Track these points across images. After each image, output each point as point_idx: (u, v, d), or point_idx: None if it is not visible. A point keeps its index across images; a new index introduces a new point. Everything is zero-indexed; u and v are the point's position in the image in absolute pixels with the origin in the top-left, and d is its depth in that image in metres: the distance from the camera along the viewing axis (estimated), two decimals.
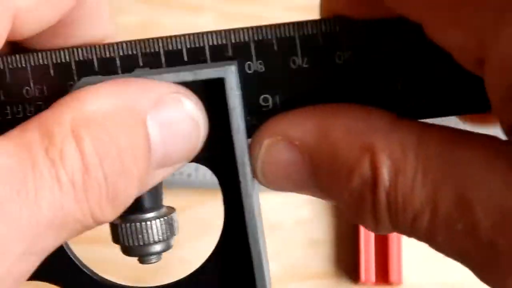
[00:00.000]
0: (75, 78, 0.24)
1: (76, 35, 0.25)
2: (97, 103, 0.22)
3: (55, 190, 0.20)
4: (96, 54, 0.25)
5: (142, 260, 0.26)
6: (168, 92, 0.23)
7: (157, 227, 0.25)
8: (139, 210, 0.25)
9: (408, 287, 0.52)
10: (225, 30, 0.24)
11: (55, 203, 0.20)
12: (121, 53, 0.26)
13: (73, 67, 0.25)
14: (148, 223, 0.25)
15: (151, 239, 0.25)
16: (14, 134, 0.21)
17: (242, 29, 0.24)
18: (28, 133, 0.21)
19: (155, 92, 0.23)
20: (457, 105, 0.24)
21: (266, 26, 0.24)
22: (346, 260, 0.53)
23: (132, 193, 0.22)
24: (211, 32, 0.24)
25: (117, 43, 0.26)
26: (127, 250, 0.26)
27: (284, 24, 0.24)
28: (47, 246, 0.21)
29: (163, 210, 0.26)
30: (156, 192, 0.26)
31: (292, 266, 0.53)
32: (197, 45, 0.24)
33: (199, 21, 0.57)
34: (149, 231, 0.25)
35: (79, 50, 0.25)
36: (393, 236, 0.51)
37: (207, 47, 0.24)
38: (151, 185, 0.23)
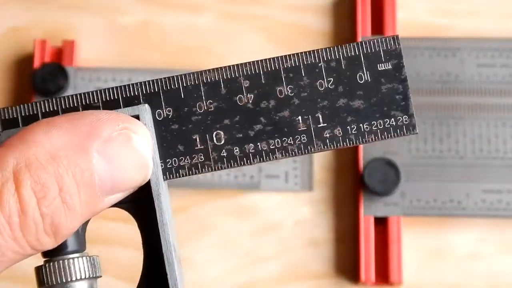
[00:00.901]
0: None
1: None
2: (45, 143, 0.24)
3: None
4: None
5: None
6: (118, 128, 0.25)
7: (81, 265, 0.26)
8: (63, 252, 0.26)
9: (408, 287, 0.52)
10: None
11: None
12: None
13: None
14: (71, 260, 0.26)
15: (74, 277, 0.26)
16: None
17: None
18: None
19: (104, 130, 0.24)
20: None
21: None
22: (346, 260, 0.53)
23: (74, 224, 0.24)
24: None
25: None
26: None
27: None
28: None
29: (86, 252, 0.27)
30: (79, 236, 0.26)
31: (292, 266, 0.53)
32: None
33: (199, 21, 0.57)
34: (71, 268, 0.26)
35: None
36: (394, 236, 0.51)
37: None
38: (101, 210, 0.25)
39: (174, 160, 0.27)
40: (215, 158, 0.27)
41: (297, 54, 0.27)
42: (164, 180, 0.27)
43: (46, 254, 0.26)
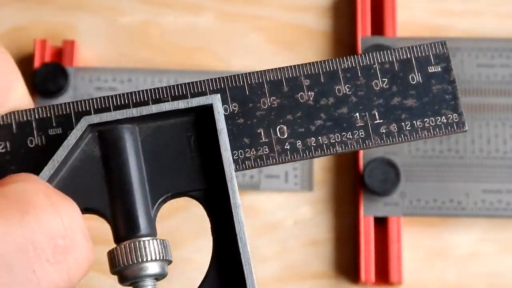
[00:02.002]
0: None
1: None
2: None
3: None
4: (14, 118, 0.28)
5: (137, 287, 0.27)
6: None
7: (153, 246, 0.27)
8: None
9: (408, 287, 0.52)
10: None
11: None
12: (36, 116, 0.28)
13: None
14: (145, 242, 0.27)
15: (146, 258, 0.27)
16: None
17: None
18: None
19: None
20: None
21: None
22: (346, 260, 0.53)
23: None
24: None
25: (33, 109, 0.28)
26: (123, 275, 0.27)
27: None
28: None
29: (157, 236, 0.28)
30: (151, 221, 0.28)
31: (292, 266, 0.53)
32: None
33: (199, 21, 0.57)
34: (144, 250, 0.27)
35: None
36: (393, 236, 0.52)
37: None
38: None
39: (240, 152, 0.28)
40: (279, 150, 0.28)
41: (354, 56, 0.29)
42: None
43: (118, 238, 0.27)
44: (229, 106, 0.29)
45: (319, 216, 0.54)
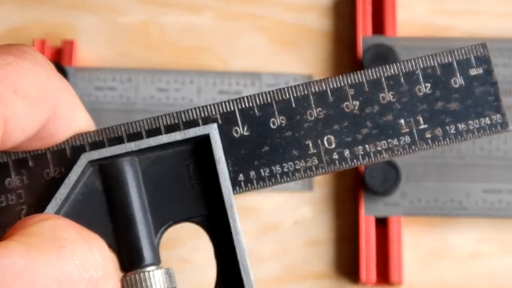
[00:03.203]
0: (51, 166, 0.28)
1: (53, 137, 0.28)
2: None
3: None
4: (68, 143, 0.29)
5: None
6: None
7: (157, 276, 0.28)
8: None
9: (408, 287, 0.52)
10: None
11: None
12: (89, 140, 0.29)
13: (48, 155, 0.29)
14: (150, 273, 0.27)
15: None
16: None
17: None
18: None
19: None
20: None
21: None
22: (346, 260, 0.53)
23: None
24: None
25: (86, 133, 0.29)
26: None
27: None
28: None
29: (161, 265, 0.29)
30: (154, 249, 0.28)
31: (292, 266, 0.53)
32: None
33: (199, 21, 0.57)
34: (149, 280, 0.27)
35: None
36: (394, 236, 0.51)
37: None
38: None
39: (290, 164, 0.29)
40: (328, 160, 0.29)
41: (396, 63, 0.29)
42: (281, 183, 0.29)
43: (124, 268, 0.28)
44: (276, 120, 0.29)
45: (320, 216, 0.54)
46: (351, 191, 0.54)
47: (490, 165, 0.52)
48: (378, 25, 0.55)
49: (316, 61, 0.56)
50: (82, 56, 0.56)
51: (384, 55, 0.53)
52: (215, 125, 0.29)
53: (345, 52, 0.56)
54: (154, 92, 0.54)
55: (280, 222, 0.54)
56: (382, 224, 0.52)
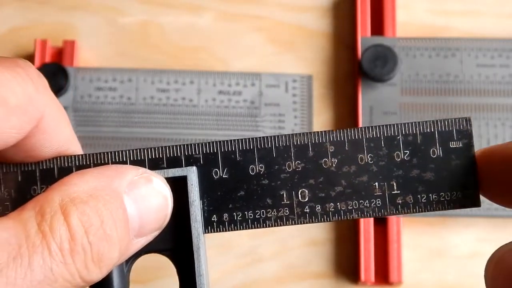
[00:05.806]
0: (38, 183, 0.30)
1: (37, 149, 0.29)
2: (82, 185, 0.27)
3: (46, 255, 0.25)
4: (56, 163, 0.30)
5: None
6: (139, 173, 0.28)
7: None
8: None
9: (408, 287, 0.52)
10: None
11: (45, 267, 0.25)
12: (77, 163, 0.30)
13: (37, 174, 0.30)
14: None
15: None
16: (13, 214, 0.26)
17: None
18: (24, 212, 0.25)
19: (128, 174, 0.28)
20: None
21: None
22: (346, 260, 0.53)
23: (115, 256, 0.27)
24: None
25: (74, 156, 0.30)
26: None
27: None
28: None
29: None
30: (124, 276, 0.29)
31: (292, 266, 0.53)
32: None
33: (199, 21, 0.57)
34: None
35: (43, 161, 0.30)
36: (393, 236, 0.52)
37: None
38: (131, 252, 0.28)
39: (262, 211, 0.29)
40: (299, 213, 0.29)
41: (379, 126, 0.29)
42: (251, 228, 0.30)
43: None
44: (256, 167, 0.29)
45: None
46: None
47: None
48: (378, 26, 0.55)
49: (316, 62, 0.56)
50: (83, 56, 0.56)
51: (383, 55, 0.53)
52: (194, 168, 0.29)
53: (344, 52, 0.56)
54: (154, 92, 0.55)
55: None
56: (381, 224, 0.52)
